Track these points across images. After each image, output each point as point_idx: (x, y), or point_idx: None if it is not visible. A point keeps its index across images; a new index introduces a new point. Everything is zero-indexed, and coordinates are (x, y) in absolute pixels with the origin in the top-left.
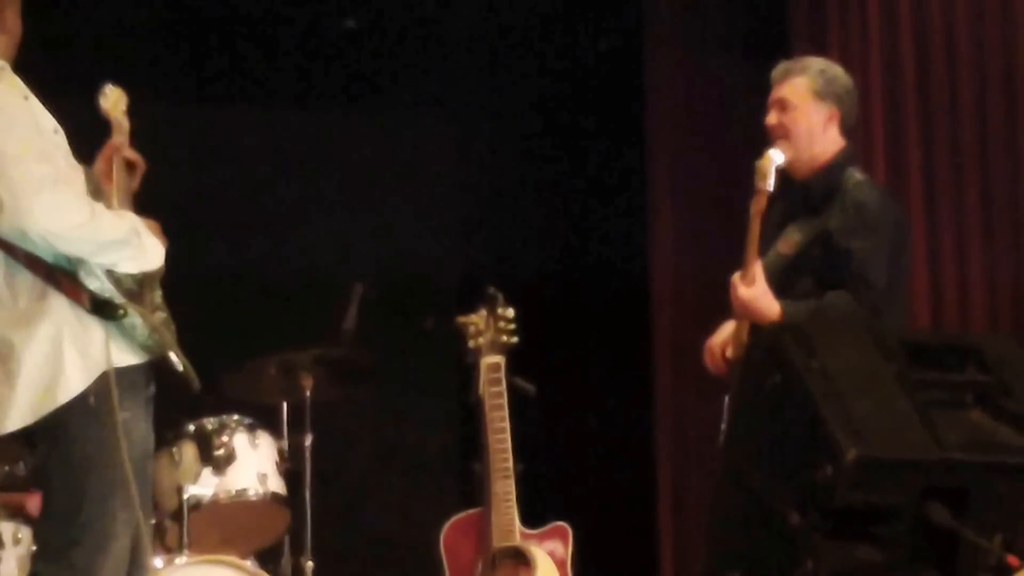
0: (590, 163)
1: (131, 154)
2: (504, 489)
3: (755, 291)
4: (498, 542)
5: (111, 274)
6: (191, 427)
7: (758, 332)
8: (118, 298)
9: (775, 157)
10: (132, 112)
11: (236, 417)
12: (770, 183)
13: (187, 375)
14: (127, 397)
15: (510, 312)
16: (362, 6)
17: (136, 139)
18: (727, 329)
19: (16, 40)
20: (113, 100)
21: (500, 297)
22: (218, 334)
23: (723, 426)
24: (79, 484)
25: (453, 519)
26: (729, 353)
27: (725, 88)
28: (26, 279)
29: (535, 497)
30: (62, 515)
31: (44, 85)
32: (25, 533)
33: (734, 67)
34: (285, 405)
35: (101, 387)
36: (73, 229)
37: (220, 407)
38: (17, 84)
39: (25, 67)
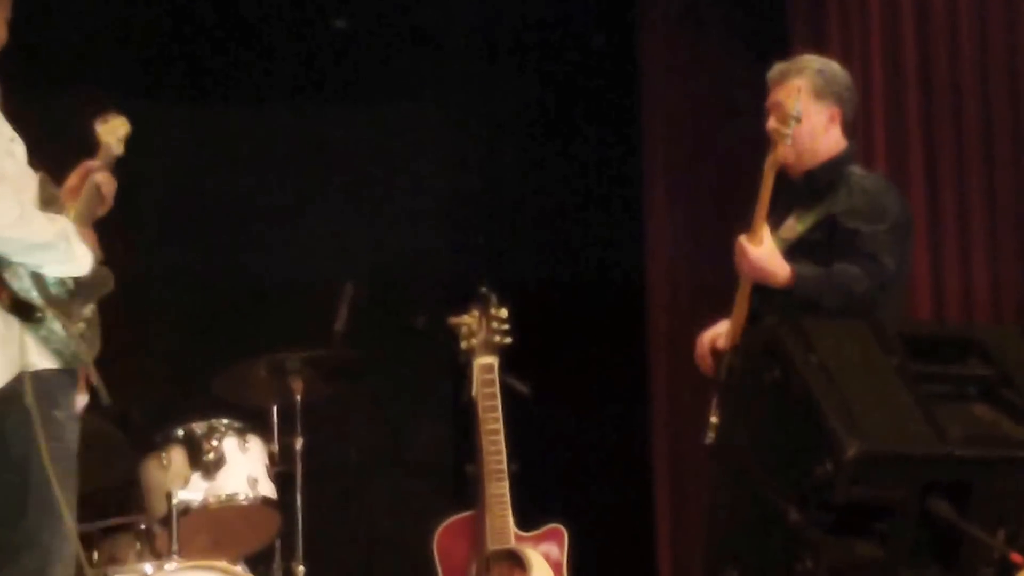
0: (585, 163)
1: (105, 182)
2: (498, 491)
3: (764, 250)
4: (492, 544)
5: (37, 277)
6: (180, 431)
7: (754, 327)
8: (39, 301)
9: (797, 108)
10: (122, 110)
11: (226, 420)
12: (789, 135)
13: (99, 391)
14: (62, 397)
15: (503, 312)
16: (355, 5)
17: (133, 139)
18: (719, 326)
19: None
20: (112, 126)
21: (493, 297)
22: (207, 335)
23: (712, 419)
24: (19, 486)
25: (447, 522)
26: (720, 343)
27: (723, 87)
28: None
29: (530, 499)
30: (5, 518)
31: (34, 86)
32: None
33: (732, 66)
34: (275, 407)
35: (37, 387)
36: (5, 229)
37: (209, 410)
38: None
39: (12, 70)
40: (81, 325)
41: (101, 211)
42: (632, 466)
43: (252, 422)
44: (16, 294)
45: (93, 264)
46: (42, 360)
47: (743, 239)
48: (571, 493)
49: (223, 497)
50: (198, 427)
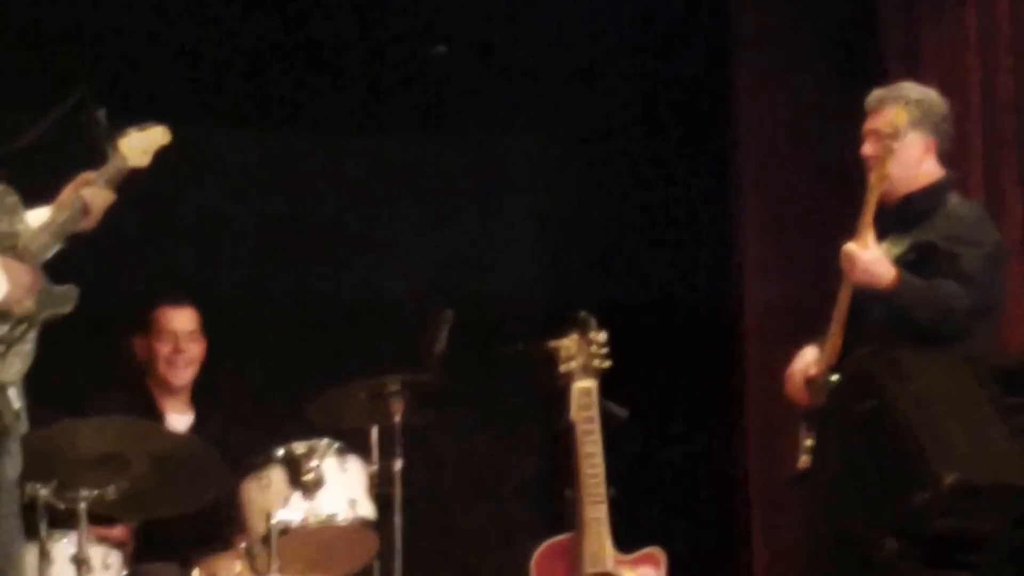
0: (679, 188)
1: (95, 197)
2: (596, 514)
3: (873, 252)
4: (590, 567)
5: None
6: (280, 451)
7: (848, 357)
8: None
9: (900, 133)
10: (216, 141)
11: (325, 441)
12: (900, 138)
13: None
14: None
15: (602, 336)
16: (449, 33)
17: (223, 166)
18: (807, 355)
19: None
20: (143, 137)
21: (592, 321)
22: (308, 360)
23: (806, 443)
24: None
25: (545, 544)
26: (812, 372)
27: (815, 112)
28: None
29: (627, 522)
30: None
31: (114, 115)
32: (115, 559)
33: (825, 90)
34: (375, 430)
35: None
36: None
37: (310, 432)
38: None
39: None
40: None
41: (85, 225)
42: (727, 490)
43: (352, 444)
44: None
45: (5, 297)
46: None
47: (851, 245)
48: (667, 517)
49: (322, 517)
50: (298, 448)
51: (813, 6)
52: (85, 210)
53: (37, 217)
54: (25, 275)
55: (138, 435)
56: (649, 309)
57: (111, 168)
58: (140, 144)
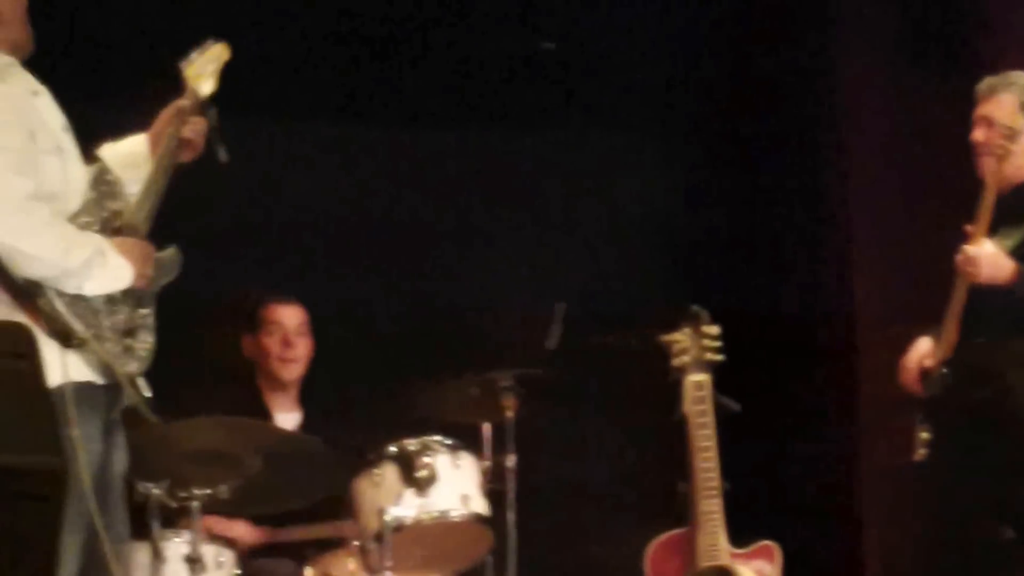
0: (791, 181)
1: (190, 128)
2: (710, 508)
3: (991, 251)
4: (705, 562)
5: (75, 298)
6: (393, 448)
7: (965, 348)
8: (78, 328)
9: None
10: (325, 138)
11: (438, 438)
12: (1018, 139)
13: (142, 409)
14: (80, 415)
15: (715, 329)
16: (558, 29)
17: (331, 164)
18: (921, 346)
19: (17, 26)
20: (203, 62)
21: (704, 314)
22: (420, 355)
23: (922, 435)
24: None
25: (659, 539)
26: (927, 363)
27: (926, 110)
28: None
29: (742, 516)
30: None
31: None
32: (227, 557)
33: (935, 88)
34: (487, 425)
35: (61, 403)
36: (39, 249)
37: (422, 428)
38: (26, 81)
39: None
40: (126, 341)
41: (187, 157)
42: (841, 483)
43: (464, 440)
44: (53, 321)
45: (133, 275)
46: (86, 372)
47: (970, 247)
48: (783, 510)
49: (435, 513)
50: (411, 444)
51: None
52: (182, 143)
53: (131, 147)
54: (138, 247)
55: (250, 433)
56: (762, 302)
57: (191, 97)
58: (206, 69)
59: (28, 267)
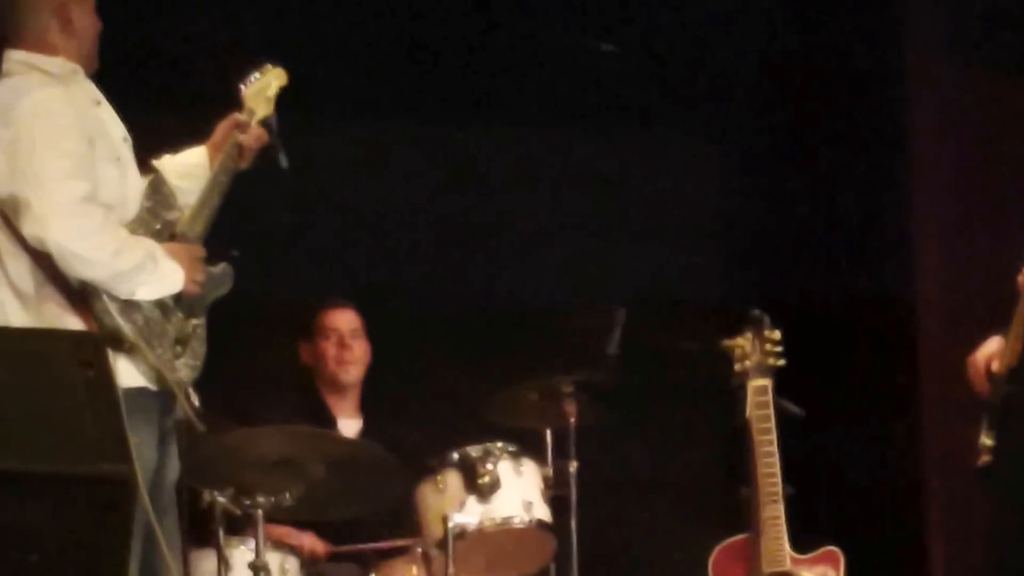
0: (855, 185)
1: (248, 138)
2: (773, 513)
3: None
4: (768, 567)
5: (128, 304)
6: (455, 455)
7: None
8: (129, 332)
9: None
10: (383, 138)
11: (500, 444)
12: None
13: (189, 418)
14: (133, 423)
15: (776, 334)
16: (622, 29)
17: (395, 165)
18: (991, 345)
19: (89, 42)
20: (261, 85)
21: (766, 319)
22: (480, 361)
23: (985, 442)
24: None
25: (722, 544)
26: (994, 367)
27: (993, 109)
28: (54, 297)
29: (805, 521)
30: None
31: (296, 116)
32: (292, 564)
33: (1002, 87)
34: (549, 431)
35: None
36: (91, 251)
37: (482, 434)
38: (89, 90)
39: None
40: (176, 348)
41: (243, 165)
42: (905, 487)
43: (526, 445)
44: (104, 325)
45: (184, 279)
46: (137, 378)
47: None
48: (846, 515)
49: (498, 520)
50: (473, 451)
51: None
52: (240, 151)
53: (189, 158)
54: (188, 252)
55: (314, 441)
56: (826, 307)
57: (248, 115)
58: (264, 92)
59: (81, 269)
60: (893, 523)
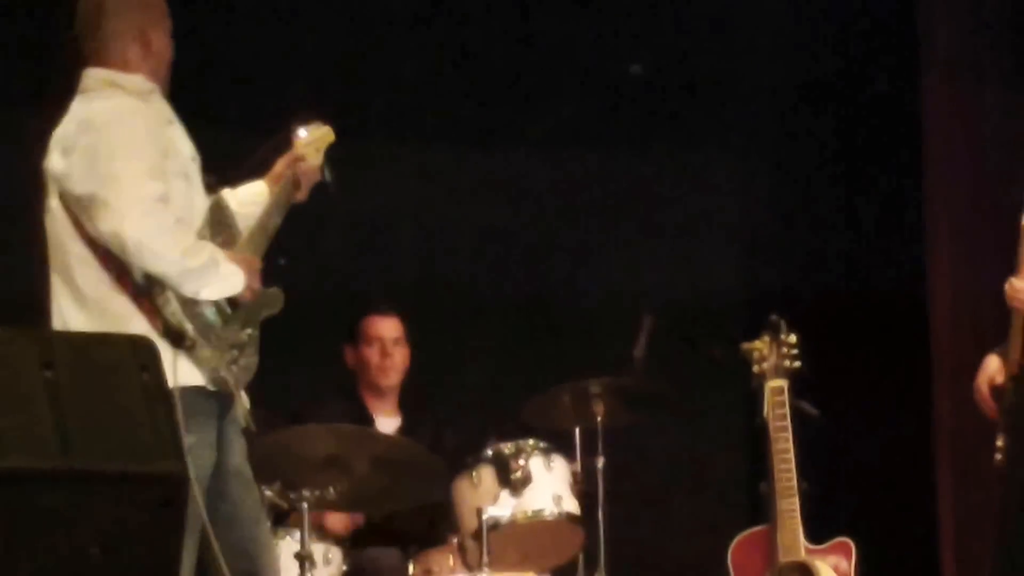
0: (867, 188)
1: (302, 177)
2: (789, 506)
3: None
4: (784, 557)
5: (190, 304)
6: (489, 451)
7: None
8: (190, 330)
9: None
10: (429, 158)
11: (531, 441)
12: None
13: (244, 418)
14: (191, 422)
15: (793, 338)
16: (647, 48)
17: (432, 182)
18: (991, 365)
19: (165, 62)
20: (312, 138)
21: (783, 323)
22: (514, 364)
23: (998, 443)
24: None
25: (741, 536)
26: (998, 381)
27: (1003, 126)
28: (118, 299)
29: (819, 514)
30: None
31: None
32: (335, 554)
33: (1013, 105)
34: (578, 430)
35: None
36: (164, 247)
37: (515, 433)
38: (163, 109)
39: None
40: (233, 352)
41: (301, 197)
42: (917, 481)
43: (556, 443)
44: (168, 322)
45: (244, 282)
46: (196, 376)
47: (1013, 280)
48: (858, 508)
49: (530, 513)
50: (506, 448)
51: (1000, 20)
52: (297, 184)
53: (251, 188)
54: (247, 261)
55: (358, 439)
56: (842, 309)
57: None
58: (314, 144)
59: (154, 263)
60: (906, 515)
